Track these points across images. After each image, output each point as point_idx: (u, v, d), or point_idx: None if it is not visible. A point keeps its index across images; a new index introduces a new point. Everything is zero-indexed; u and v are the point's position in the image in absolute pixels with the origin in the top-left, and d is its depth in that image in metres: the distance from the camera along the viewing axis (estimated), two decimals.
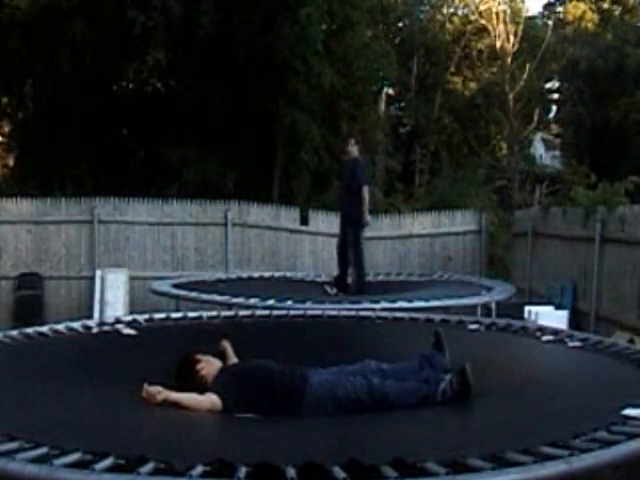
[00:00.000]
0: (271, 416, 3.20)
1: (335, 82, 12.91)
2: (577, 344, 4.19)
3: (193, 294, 7.12)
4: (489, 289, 7.53)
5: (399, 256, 11.59)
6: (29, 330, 4.48)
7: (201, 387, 3.38)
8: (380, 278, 9.15)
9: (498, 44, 20.96)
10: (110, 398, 3.22)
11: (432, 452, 2.29)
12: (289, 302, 6.18)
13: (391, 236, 11.64)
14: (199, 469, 2.14)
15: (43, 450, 2.30)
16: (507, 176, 20.38)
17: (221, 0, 12.34)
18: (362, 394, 3.24)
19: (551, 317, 7.42)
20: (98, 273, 10.41)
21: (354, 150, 7.89)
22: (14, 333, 4.39)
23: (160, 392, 3.19)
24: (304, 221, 11.46)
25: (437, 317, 5.26)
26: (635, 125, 20.04)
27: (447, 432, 2.93)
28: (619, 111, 20.04)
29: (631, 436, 2.42)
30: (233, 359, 3.82)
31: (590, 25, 24.15)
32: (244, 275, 9.54)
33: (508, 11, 21.82)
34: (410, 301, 6.31)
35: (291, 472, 2.14)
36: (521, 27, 21.03)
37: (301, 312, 5.52)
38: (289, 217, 11.40)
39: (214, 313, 5.45)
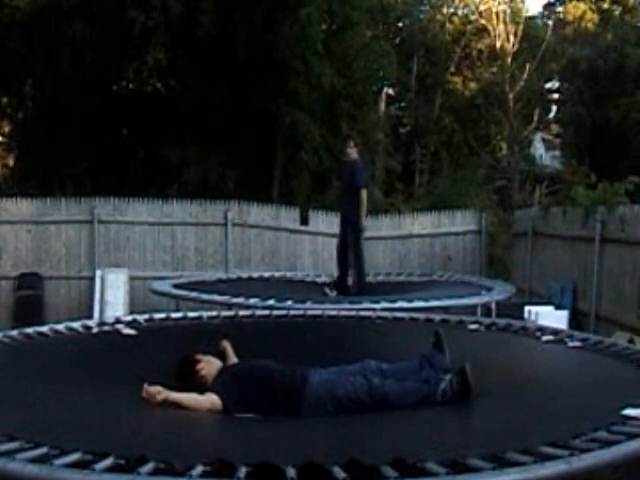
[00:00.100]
0: (271, 416, 3.20)
1: (335, 82, 12.91)
2: (577, 344, 4.19)
3: (193, 294, 7.12)
4: (489, 289, 7.53)
5: (399, 256, 11.59)
6: (29, 330, 4.48)
7: (201, 387, 3.38)
8: (380, 278, 9.14)
9: (498, 44, 20.96)
10: (110, 398, 3.22)
11: (432, 452, 2.29)
12: (289, 302, 6.18)
13: (391, 236, 11.64)
14: (199, 469, 2.14)
15: (43, 450, 2.30)
16: (507, 176, 20.38)
17: (221, 0, 12.35)
18: (362, 394, 3.24)
19: (551, 317, 7.42)
20: (98, 273, 10.41)
21: (353, 152, 7.88)
22: (14, 333, 4.38)
23: (160, 392, 3.19)
24: (304, 221, 11.46)
25: (437, 317, 5.26)
26: (635, 125, 20.04)
27: (447, 432, 2.93)
28: (619, 111, 20.03)
29: (631, 436, 2.42)
30: (233, 359, 3.82)
31: (590, 25, 24.15)
32: (244, 275, 9.54)
33: (508, 11, 21.81)
34: (410, 301, 6.30)
35: (291, 472, 2.14)
36: (521, 27, 21.02)
37: (301, 312, 5.52)
38: (289, 217, 11.41)
39: (214, 313, 5.45)
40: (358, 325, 5.19)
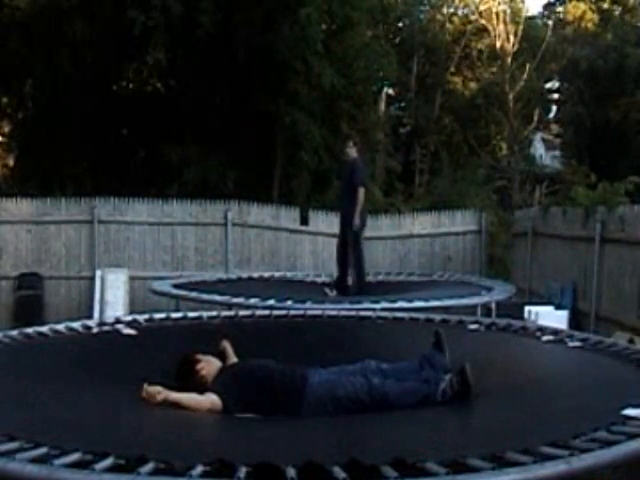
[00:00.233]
0: (271, 416, 3.20)
1: (335, 82, 12.90)
2: (577, 344, 4.19)
3: (193, 294, 7.12)
4: (489, 289, 7.53)
5: (399, 256, 11.59)
6: (29, 330, 4.48)
7: (201, 387, 3.38)
8: (380, 278, 9.14)
9: (498, 44, 20.95)
10: (110, 398, 3.22)
11: (432, 452, 2.29)
12: (289, 302, 6.18)
13: (391, 236, 11.64)
14: (199, 469, 2.14)
15: (43, 450, 2.30)
16: (507, 176, 20.37)
17: (221, 0, 12.35)
18: (362, 394, 3.24)
19: (551, 317, 7.41)
20: (98, 273, 10.41)
21: (353, 151, 7.89)
22: (14, 333, 4.39)
23: (160, 392, 3.19)
24: (304, 221, 11.46)
25: (437, 317, 5.26)
26: (635, 125, 20.03)
27: (447, 432, 2.93)
28: (619, 111, 20.03)
29: (631, 436, 2.42)
30: (233, 359, 3.82)
31: (590, 25, 24.14)
32: (244, 275, 9.54)
33: (508, 11, 21.81)
34: (410, 301, 6.31)
35: (291, 472, 2.15)
36: (521, 27, 21.02)
37: (301, 312, 5.52)
38: (289, 217, 11.40)
39: (214, 313, 5.45)
40: (358, 325, 5.19)
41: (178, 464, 2.17)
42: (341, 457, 2.24)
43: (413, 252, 11.65)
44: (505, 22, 20.84)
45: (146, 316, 5.17)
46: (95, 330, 4.73)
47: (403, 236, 11.68)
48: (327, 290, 7.90)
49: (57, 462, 2.20)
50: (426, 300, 6.41)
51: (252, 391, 3.30)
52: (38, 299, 10.32)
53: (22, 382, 3.31)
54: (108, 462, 2.20)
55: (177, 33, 12.40)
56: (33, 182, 13.35)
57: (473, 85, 24.58)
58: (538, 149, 28.70)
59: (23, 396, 3.08)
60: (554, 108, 26.81)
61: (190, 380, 3.46)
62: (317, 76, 12.65)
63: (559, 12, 27.08)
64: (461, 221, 11.81)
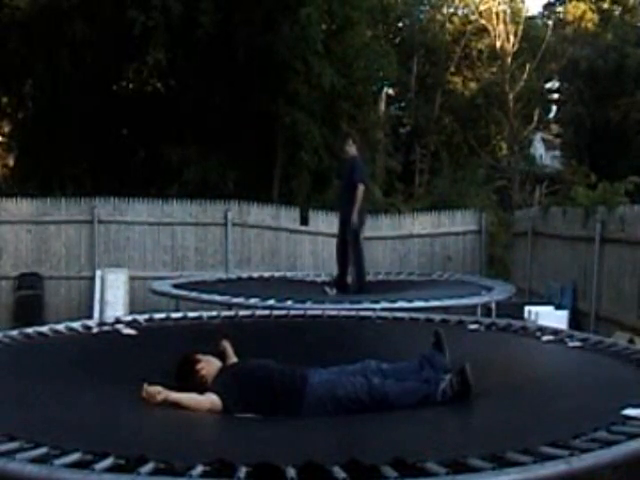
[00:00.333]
0: (271, 416, 3.20)
1: (335, 82, 12.91)
2: (577, 344, 4.19)
3: (193, 294, 7.12)
4: (489, 289, 7.53)
5: (399, 256, 11.59)
6: (29, 330, 4.48)
7: (201, 387, 3.38)
8: (380, 278, 9.14)
9: (498, 44, 20.95)
10: (110, 398, 3.22)
11: (432, 452, 2.29)
12: (289, 302, 6.18)
13: (391, 236, 11.64)
14: (199, 469, 2.14)
15: (43, 450, 2.30)
16: (507, 176, 20.37)
17: (221, 0, 12.35)
18: (362, 394, 3.24)
19: (551, 317, 7.42)
20: (98, 273, 10.41)
21: (352, 149, 7.89)
22: (14, 333, 4.39)
23: (160, 392, 3.19)
24: (304, 221, 11.46)
25: (437, 317, 5.27)
26: (635, 125, 20.03)
27: (447, 432, 2.93)
28: (619, 111, 20.03)
29: (631, 436, 2.42)
30: (233, 359, 3.82)
31: (590, 25, 24.14)
32: (244, 275, 9.53)
33: (508, 11, 21.81)
34: (410, 301, 6.30)
35: (291, 472, 2.15)
36: (521, 27, 21.02)
37: (301, 312, 5.52)
38: (289, 217, 11.40)
39: (214, 313, 5.45)
40: (358, 325, 5.19)
41: (178, 464, 2.17)
42: (341, 457, 2.24)
43: (413, 252, 11.65)
44: (505, 22, 20.83)
45: (146, 316, 5.17)
46: (95, 330, 4.73)
47: (403, 236, 11.68)
48: (327, 289, 7.90)
49: (57, 462, 2.20)
50: (426, 300, 6.41)
51: (252, 391, 3.30)
52: (38, 299, 10.32)
53: (22, 382, 3.31)
54: (108, 462, 2.20)
55: (177, 33, 12.40)
56: (33, 182, 13.35)
57: (473, 85, 24.58)
58: (538, 149, 28.70)
59: (23, 396, 3.08)
60: (554, 108, 26.82)
61: (190, 380, 3.46)
62: (317, 76, 12.65)
63: (559, 12, 27.08)
64: (461, 221, 11.81)
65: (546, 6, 27.83)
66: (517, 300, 8.65)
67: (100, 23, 12.62)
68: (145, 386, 3.21)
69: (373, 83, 16.90)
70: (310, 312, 5.53)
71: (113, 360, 3.91)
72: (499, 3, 21.65)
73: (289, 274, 9.79)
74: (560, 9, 27.11)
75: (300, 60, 12.62)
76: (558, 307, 8.27)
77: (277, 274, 9.67)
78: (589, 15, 24.49)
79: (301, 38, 12.45)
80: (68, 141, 13.43)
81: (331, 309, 5.72)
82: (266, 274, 9.57)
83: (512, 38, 20.65)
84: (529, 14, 25.83)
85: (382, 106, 19.75)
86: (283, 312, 5.54)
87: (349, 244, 7.87)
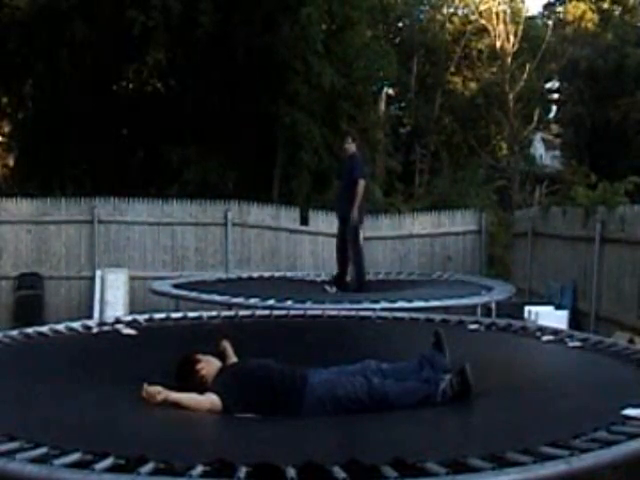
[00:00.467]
0: (271, 416, 3.19)
1: (335, 82, 12.91)
2: (577, 344, 4.20)
3: (193, 294, 7.12)
4: (489, 289, 7.53)
5: (399, 256, 11.59)
6: (29, 330, 4.48)
7: (201, 387, 3.37)
8: (380, 278, 9.14)
9: (498, 44, 20.95)
10: (110, 398, 3.22)
11: (432, 452, 2.29)
12: (289, 302, 6.17)
13: (391, 236, 11.64)
14: (199, 469, 2.14)
15: (43, 450, 2.30)
16: (507, 176, 20.36)
17: (221, 0, 12.35)
18: (362, 394, 3.24)
19: (551, 317, 7.41)
20: (98, 273, 10.41)
21: (352, 147, 7.89)
22: (14, 333, 4.39)
23: (160, 392, 3.19)
24: (304, 221, 11.46)
25: (437, 317, 5.27)
26: (635, 125, 20.03)
27: (447, 432, 2.93)
28: (619, 111, 20.03)
29: (631, 436, 2.42)
30: (233, 359, 3.82)
31: (590, 25, 24.14)
32: (244, 275, 9.53)
33: (508, 11, 21.80)
34: (410, 301, 6.30)
35: (291, 472, 2.15)
36: (521, 27, 21.01)
37: (301, 312, 5.53)
38: (289, 217, 11.40)
39: (214, 313, 5.46)
40: (358, 325, 5.20)
41: (178, 464, 2.17)
42: (341, 457, 2.24)
43: (413, 252, 11.64)
44: (505, 22, 20.83)
45: (146, 316, 5.18)
46: (95, 330, 4.74)
47: (403, 236, 11.68)
48: (327, 287, 7.90)
49: (57, 462, 2.20)
50: (426, 300, 6.40)
51: (252, 391, 3.30)
52: (38, 299, 10.32)
53: (22, 382, 3.31)
54: (108, 462, 2.20)
55: (177, 33, 12.40)
56: (33, 182, 13.35)
57: (473, 85, 24.57)
58: (538, 149, 28.69)
59: (23, 396, 3.08)
60: (554, 108, 26.81)
61: (190, 380, 3.46)
62: (317, 76, 12.65)
63: (559, 12, 27.08)
64: (461, 221, 11.81)
65: (546, 6, 27.86)
66: (517, 300, 8.65)
67: (100, 23, 12.62)
68: (145, 386, 3.21)
69: (373, 83, 16.90)
70: (310, 312, 5.53)
71: (113, 360, 3.91)
72: (499, 3, 21.65)
73: (289, 274, 9.78)
74: (560, 9, 27.11)
75: (300, 60, 12.62)
76: (558, 307, 8.27)
77: (277, 274, 9.66)
78: (589, 15, 24.49)
79: (301, 38, 12.45)
80: (68, 141, 13.43)
81: (331, 309, 5.72)
82: (266, 274, 9.57)
83: (512, 38, 20.65)
84: (529, 14, 25.86)
85: (382, 106, 19.74)
86: (283, 312, 5.54)
87: (348, 242, 7.87)
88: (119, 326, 4.85)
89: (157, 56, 12.44)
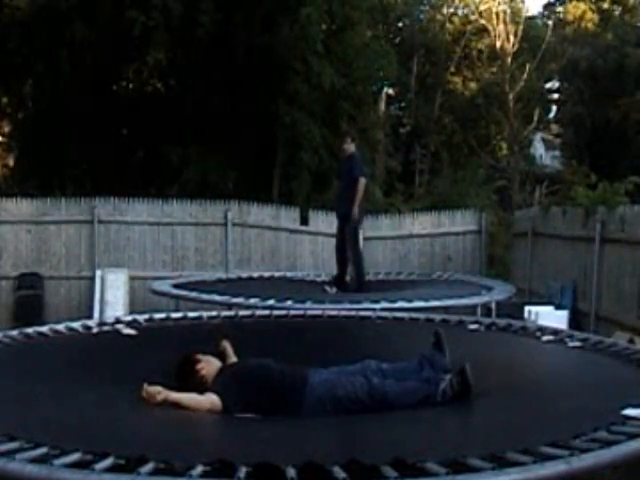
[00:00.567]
0: (271, 416, 3.19)
1: (335, 82, 12.91)
2: (577, 344, 4.19)
3: (193, 294, 7.12)
4: (489, 289, 7.53)
5: (399, 256, 11.58)
6: (29, 330, 4.48)
7: (201, 387, 3.37)
8: (380, 278, 9.14)
9: (498, 44, 20.96)
10: (110, 398, 3.22)
11: (432, 452, 2.29)
12: (289, 302, 6.18)
13: (391, 236, 11.63)
14: (199, 469, 2.14)
15: (43, 450, 2.30)
16: (507, 176, 20.38)
17: (221, 0, 12.35)
18: (362, 394, 3.24)
19: (551, 317, 7.41)
20: (98, 273, 10.41)
21: (350, 147, 7.89)
22: (14, 333, 4.39)
23: (160, 392, 3.19)
24: (304, 221, 11.46)
25: (437, 317, 5.27)
26: (635, 125, 20.04)
27: (447, 432, 2.93)
28: (619, 111, 20.03)
29: (631, 436, 2.42)
30: (233, 359, 3.82)
31: (590, 25, 24.15)
32: (244, 275, 9.53)
33: (508, 11, 21.81)
34: (410, 301, 6.30)
35: (291, 472, 2.15)
36: (521, 27, 21.02)
37: (301, 312, 5.53)
38: (289, 217, 11.40)
39: (214, 313, 5.46)
40: (358, 325, 5.20)
41: (178, 464, 2.17)
42: (341, 457, 2.24)
43: (413, 252, 11.64)
44: (505, 22, 20.84)
45: (146, 316, 5.18)
46: (95, 330, 4.74)
47: (403, 236, 11.68)
48: (327, 287, 7.90)
49: (57, 462, 2.20)
50: (426, 300, 6.40)
51: (252, 391, 3.30)
52: (38, 299, 10.32)
53: (22, 382, 3.31)
54: (108, 462, 2.20)
55: (177, 33, 12.40)
56: (33, 182, 13.35)
57: (473, 85, 24.58)
58: (538, 149, 28.71)
59: (23, 396, 3.08)
60: (554, 108, 26.82)
61: (190, 380, 3.46)
62: (317, 76, 12.65)
63: (559, 12, 27.08)
64: (461, 221, 11.81)
65: (546, 6, 27.87)
66: (517, 300, 8.65)
67: (100, 23, 12.62)
68: (145, 386, 3.21)
69: (373, 83, 16.91)
70: (310, 312, 5.53)
71: (113, 360, 3.91)
72: (499, 3, 21.66)
73: (289, 274, 9.78)
74: (560, 9, 27.12)
75: (300, 60, 12.62)
76: (558, 307, 8.26)
77: (277, 274, 9.66)
78: (589, 15, 24.50)
79: (301, 38, 12.45)
80: (68, 141, 13.43)
81: (331, 309, 5.72)
82: (266, 274, 9.57)
83: (512, 38, 20.65)
84: (529, 14, 25.92)
85: (382, 106, 19.75)
86: (283, 312, 5.54)
87: (347, 242, 7.87)
88: (119, 326, 4.85)
89: (157, 56, 12.43)
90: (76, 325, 4.77)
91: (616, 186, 9.03)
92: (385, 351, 4.06)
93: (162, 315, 5.27)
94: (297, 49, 12.56)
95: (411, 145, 22.58)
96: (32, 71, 13.53)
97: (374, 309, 5.68)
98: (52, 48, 12.82)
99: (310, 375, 3.38)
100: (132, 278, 10.42)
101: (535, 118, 22.54)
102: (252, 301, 6.32)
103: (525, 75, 20.49)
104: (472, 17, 23.51)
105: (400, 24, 24.54)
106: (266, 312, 5.56)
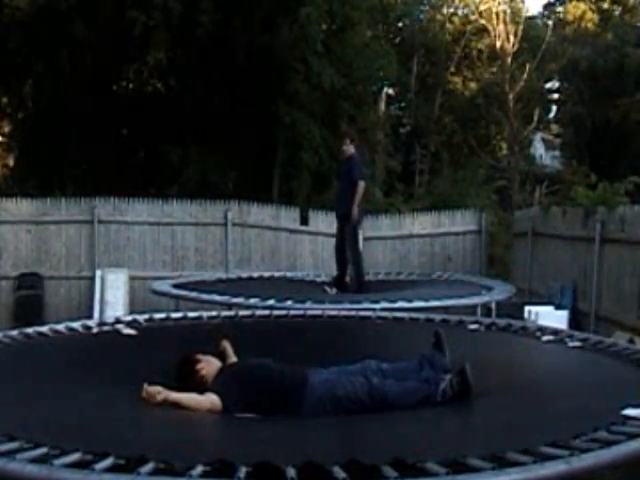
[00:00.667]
0: (271, 416, 3.19)
1: (335, 82, 12.91)
2: (577, 344, 4.20)
3: (193, 294, 7.12)
4: (489, 289, 7.53)
5: (399, 256, 11.58)
6: (29, 330, 4.48)
7: (201, 387, 3.37)
8: (380, 278, 9.14)
9: (498, 44, 20.95)
10: (110, 398, 3.22)
11: (432, 452, 2.29)
12: (289, 302, 6.18)
13: (391, 236, 11.63)
14: (199, 469, 2.14)
15: (43, 450, 2.30)
16: (507, 176, 20.37)
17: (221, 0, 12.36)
18: (362, 394, 3.24)
19: (551, 317, 7.41)
20: (98, 273, 10.41)
21: (350, 148, 7.89)
22: (14, 333, 4.39)
23: (160, 392, 3.19)
24: (304, 221, 11.46)
25: (437, 317, 5.27)
26: (635, 125, 20.03)
27: (447, 432, 2.93)
28: (619, 111, 20.03)
29: (631, 436, 2.42)
30: (233, 359, 3.82)
31: (590, 25, 24.15)
32: (244, 275, 9.53)
33: (508, 11, 21.80)
34: (410, 301, 6.30)
35: (291, 472, 2.15)
36: (521, 27, 21.01)
37: (301, 312, 5.53)
38: (289, 217, 11.40)
39: (214, 313, 5.46)
40: (358, 325, 5.20)
41: (178, 464, 2.17)
42: (341, 457, 2.24)
43: (413, 252, 11.64)
44: (505, 22, 20.83)
45: (146, 316, 5.18)
46: (95, 330, 4.74)
47: (403, 236, 11.68)
48: (327, 288, 7.90)
49: (57, 462, 2.20)
50: (426, 300, 6.41)
51: (252, 391, 3.30)
52: (38, 299, 10.32)
53: (22, 382, 3.31)
54: (108, 462, 2.20)
55: (177, 33, 12.40)
56: (33, 182, 13.35)
57: (473, 85, 24.57)
58: (538, 149, 28.70)
59: (23, 396, 3.08)
60: (554, 108, 26.81)
61: (190, 380, 3.46)
62: (317, 76, 12.65)
63: (559, 12, 27.07)
64: (461, 221, 11.81)
65: (546, 6, 27.86)
66: (517, 300, 8.65)
67: (100, 23, 12.62)
68: (145, 386, 3.21)
69: (373, 83, 16.91)
70: (310, 312, 5.53)
71: (113, 360, 3.91)
72: (499, 3, 21.65)
73: (289, 274, 9.78)
74: (560, 9, 27.11)
75: (300, 60, 12.63)
76: (558, 307, 8.26)
77: (277, 274, 9.66)
78: (589, 15, 24.49)
79: (301, 38, 12.45)
80: (68, 141, 13.43)
81: (331, 309, 5.72)
82: (266, 274, 9.57)
83: (512, 38, 20.64)
84: (529, 14, 25.90)
85: (382, 106, 19.74)
86: (283, 312, 5.54)
87: (347, 242, 7.87)
88: (119, 326, 4.85)
89: (157, 56, 12.44)
90: (76, 325, 4.77)
91: (616, 186, 9.03)
92: (385, 351, 4.06)
93: (162, 315, 5.27)
94: (297, 49, 12.56)
95: (411, 145, 22.57)
96: (32, 71, 13.53)
97: (374, 309, 5.68)
98: (52, 48, 12.82)
99: (310, 375, 3.38)
100: (132, 278, 10.42)
101: (535, 118, 22.53)
102: (252, 301, 6.33)
103: (525, 75, 20.48)
104: (472, 17, 23.50)
105: (400, 24, 24.53)
106: (266, 312, 5.56)
